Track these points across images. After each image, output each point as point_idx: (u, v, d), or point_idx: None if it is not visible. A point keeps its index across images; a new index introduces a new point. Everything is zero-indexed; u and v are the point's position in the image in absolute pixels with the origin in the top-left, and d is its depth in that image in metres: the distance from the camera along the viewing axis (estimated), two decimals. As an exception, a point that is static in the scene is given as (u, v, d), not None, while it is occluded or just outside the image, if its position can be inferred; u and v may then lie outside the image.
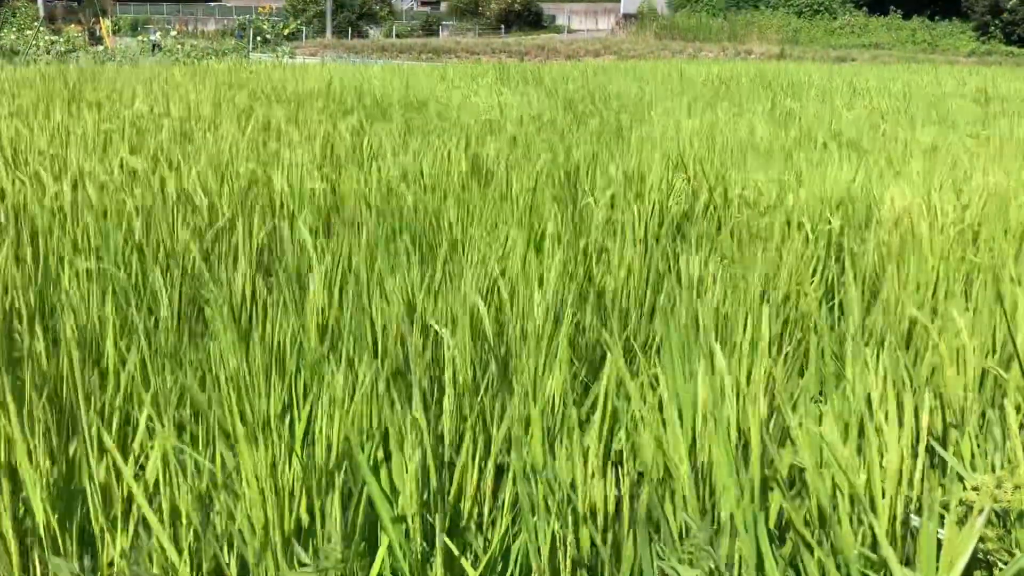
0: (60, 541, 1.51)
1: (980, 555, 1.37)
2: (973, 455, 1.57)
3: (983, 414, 1.74)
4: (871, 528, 1.37)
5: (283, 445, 1.45)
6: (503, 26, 44.52)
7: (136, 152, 4.41)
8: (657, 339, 2.18)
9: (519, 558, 1.51)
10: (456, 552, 1.43)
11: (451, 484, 1.53)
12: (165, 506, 1.45)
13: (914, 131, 6.44)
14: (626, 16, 43.38)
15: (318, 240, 2.80)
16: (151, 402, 1.65)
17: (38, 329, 1.85)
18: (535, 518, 1.41)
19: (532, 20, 46.81)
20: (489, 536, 1.54)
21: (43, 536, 1.49)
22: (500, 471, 1.60)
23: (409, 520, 1.40)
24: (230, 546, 1.45)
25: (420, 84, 10.24)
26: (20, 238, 2.73)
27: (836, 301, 2.72)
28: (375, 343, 2.02)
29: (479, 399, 1.75)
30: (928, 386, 1.76)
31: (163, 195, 3.29)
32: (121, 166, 3.98)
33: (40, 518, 1.48)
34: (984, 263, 2.69)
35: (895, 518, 1.38)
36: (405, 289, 2.25)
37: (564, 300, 2.20)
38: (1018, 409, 1.60)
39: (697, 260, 2.51)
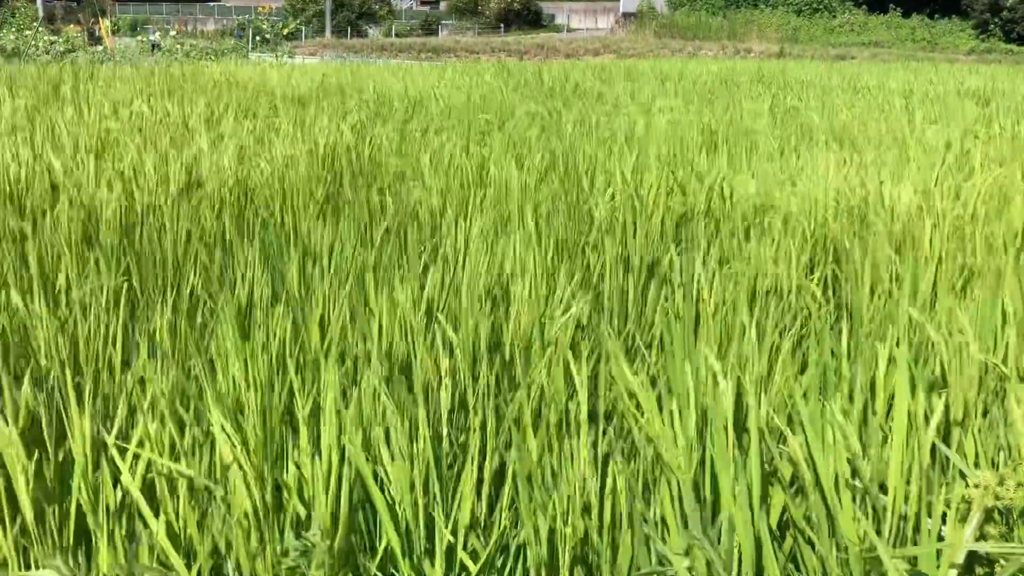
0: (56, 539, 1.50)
1: (982, 552, 1.36)
2: (977, 453, 1.56)
3: (985, 412, 1.74)
4: (873, 522, 1.36)
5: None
6: (502, 25, 44.48)
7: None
8: (657, 338, 2.18)
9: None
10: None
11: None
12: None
13: (914, 129, 6.43)
14: (625, 15, 43.37)
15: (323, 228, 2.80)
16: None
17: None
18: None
19: (531, 19, 46.76)
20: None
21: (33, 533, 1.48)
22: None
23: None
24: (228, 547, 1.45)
25: (420, 83, 10.23)
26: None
27: (834, 301, 2.71)
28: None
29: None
30: (930, 382, 1.76)
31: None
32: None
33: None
34: (985, 261, 2.69)
35: (904, 517, 1.37)
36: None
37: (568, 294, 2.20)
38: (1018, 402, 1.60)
39: (697, 259, 2.50)
